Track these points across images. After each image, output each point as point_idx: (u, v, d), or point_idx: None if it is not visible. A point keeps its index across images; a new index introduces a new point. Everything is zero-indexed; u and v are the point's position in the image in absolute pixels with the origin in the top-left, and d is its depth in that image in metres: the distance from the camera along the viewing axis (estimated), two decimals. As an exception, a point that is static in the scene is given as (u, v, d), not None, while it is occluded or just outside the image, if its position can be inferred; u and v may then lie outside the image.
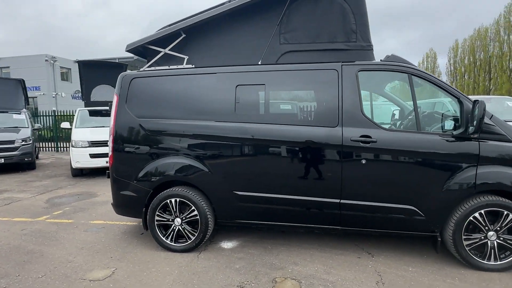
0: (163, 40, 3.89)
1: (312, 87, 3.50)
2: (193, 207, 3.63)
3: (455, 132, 3.19)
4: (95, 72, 9.43)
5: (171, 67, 3.89)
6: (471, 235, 3.17)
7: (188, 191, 3.65)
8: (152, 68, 3.96)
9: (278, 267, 3.34)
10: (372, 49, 3.61)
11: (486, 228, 3.13)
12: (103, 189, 6.92)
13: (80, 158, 7.98)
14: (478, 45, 33.83)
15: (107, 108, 9.32)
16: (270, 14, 3.68)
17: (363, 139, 3.26)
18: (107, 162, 8.04)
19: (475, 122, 3.01)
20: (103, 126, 8.80)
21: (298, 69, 3.52)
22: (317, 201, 3.41)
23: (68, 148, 14.04)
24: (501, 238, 3.12)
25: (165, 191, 3.71)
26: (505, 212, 3.06)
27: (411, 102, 3.37)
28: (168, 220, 3.72)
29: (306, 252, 3.66)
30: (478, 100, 2.98)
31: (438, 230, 3.28)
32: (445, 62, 53.81)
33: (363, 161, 3.28)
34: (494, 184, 3.09)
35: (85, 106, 9.52)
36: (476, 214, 3.12)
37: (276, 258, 3.54)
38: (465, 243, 3.16)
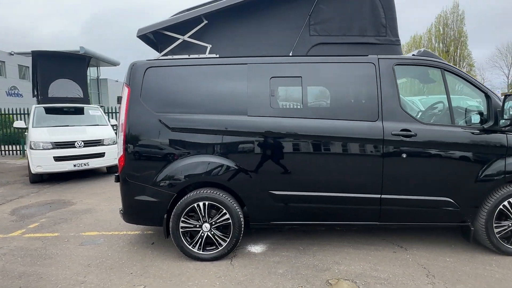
0: (181, 26, 3.49)
1: (350, 80, 3.39)
2: (224, 210, 3.30)
3: (485, 126, 3.33)
4: (52, 65, 8.33)
5: (192, 56, 3.50)
6: (501, 223, 3.34)
7: (218, 193, 3.31)
8: (169, 56, 3.53)
9: (322, 268, 3.18)
10: (400, 44, 3.63)
11: (514, 215, 3.33)
12: (78, 196, 6.09)
13: (42, 161, 6.93)
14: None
15: (70, 105, 8.33)
16: (300, 4, 3.51)
17: (404, 133, 3.25)
18: (75, 165, 7.29)
19: (505, 115, 3.17)
20: (67, 125, 7.82)
21: (335, 62, 3.40)
22: (359, 197, 3.32)
23: (9, 152, 12.29)
24: (527, 224, 3.34)
25: (191, 194, 3.32)
26: (531, 200, 3.28)
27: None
28: (195, 226, 3.34)
29: (341, 250, 3.56)
30: (510, 94, 3.15)
31: (471, 220, 3.40)
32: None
33: (404, 155, 3.27)
34: None
35: (40, 103, 8.35)
36: (506, 203, 3.30)
37: (314, 259, 3.37)
38: (495, 230, 3.33)
